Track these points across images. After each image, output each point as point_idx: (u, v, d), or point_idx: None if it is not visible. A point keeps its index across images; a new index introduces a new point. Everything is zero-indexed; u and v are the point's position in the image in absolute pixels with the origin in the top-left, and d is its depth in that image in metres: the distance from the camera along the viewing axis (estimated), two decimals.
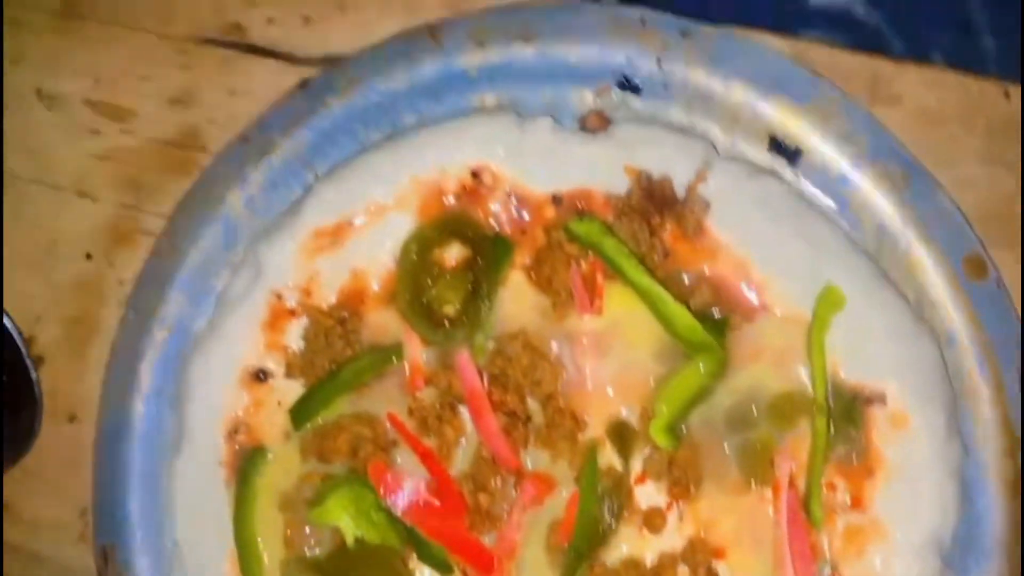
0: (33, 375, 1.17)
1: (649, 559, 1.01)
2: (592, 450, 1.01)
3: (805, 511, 0.98)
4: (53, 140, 1.25)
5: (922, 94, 1.08)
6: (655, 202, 1.02)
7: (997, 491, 0.99)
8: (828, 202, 1.04)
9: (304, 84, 1.15)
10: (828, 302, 0.98)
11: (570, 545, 1.00)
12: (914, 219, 1.02)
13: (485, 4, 1.14)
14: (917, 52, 1.12)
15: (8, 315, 1.18)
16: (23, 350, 1.17)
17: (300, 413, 1.07)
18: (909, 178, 1.03)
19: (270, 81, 1.19)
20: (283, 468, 1.07)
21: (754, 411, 0.99)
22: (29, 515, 1.21)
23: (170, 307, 1.14)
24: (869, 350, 0.98)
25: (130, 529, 1.12)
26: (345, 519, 1.02)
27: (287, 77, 1.18)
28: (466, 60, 1.11)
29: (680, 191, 1.02)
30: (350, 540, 1.02)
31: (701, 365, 0.97)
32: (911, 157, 1.03)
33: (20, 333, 1.18)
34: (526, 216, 1.07)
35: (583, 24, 1.09)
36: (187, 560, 1.09)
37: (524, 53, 1.10)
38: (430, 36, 1.12)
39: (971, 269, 1.00)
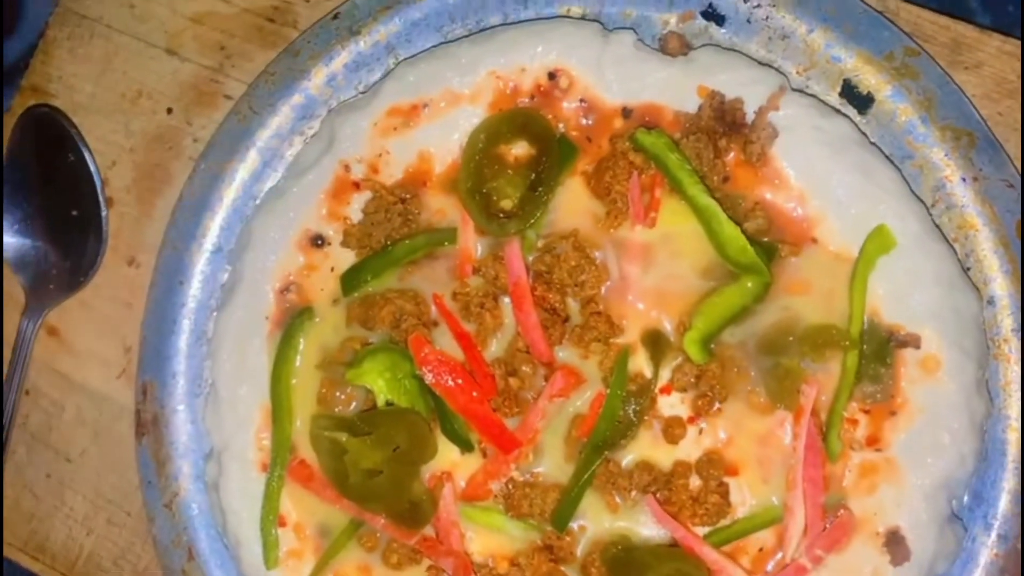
0: (103, 212, 1.23)
1: (663, 465, 1.04)
2: (624, 353, 1.04)
3: (823, 442, 1.00)
4: None
5: (1002, 65, 1.09)
6: (724, 123, 1.04)
7: (1016, 453, 1.01)
8: (892, 151, 1.06)
9: None
10: (877, 242, 1.00)
11: (589, 440, 1.03)
12: (974, 179, 1.04)
13: None
14: (1002, 26, 1.13)
15: (90, 152, 1.23)
16: (99, 187, 1.23)
17: (351, 280, 1.11)
18: (976, 141, 1.04)
19: None
20: (327, 330, 1.12)
21: (789, 339, 1.01)
22: (78, 346, 1.27)
23: (242, 167, 1.19)
24: (912, 295, 1.00)
25: (172, 368, 1.18)
26: (379, 382, 1.07)
27: None
28: None
29: (750, 117, 1.05)
30: (381, 402, 1.07)
31: (748, 285, 1.00)
32: (981, 121, 1.05)
33: (98, 171, 1.23)
34: (594, 124, 1.10)
35: None
36: (221, 404, 1.14)
37: None
38: None
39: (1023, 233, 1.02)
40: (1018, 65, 1.08)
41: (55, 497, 1.26)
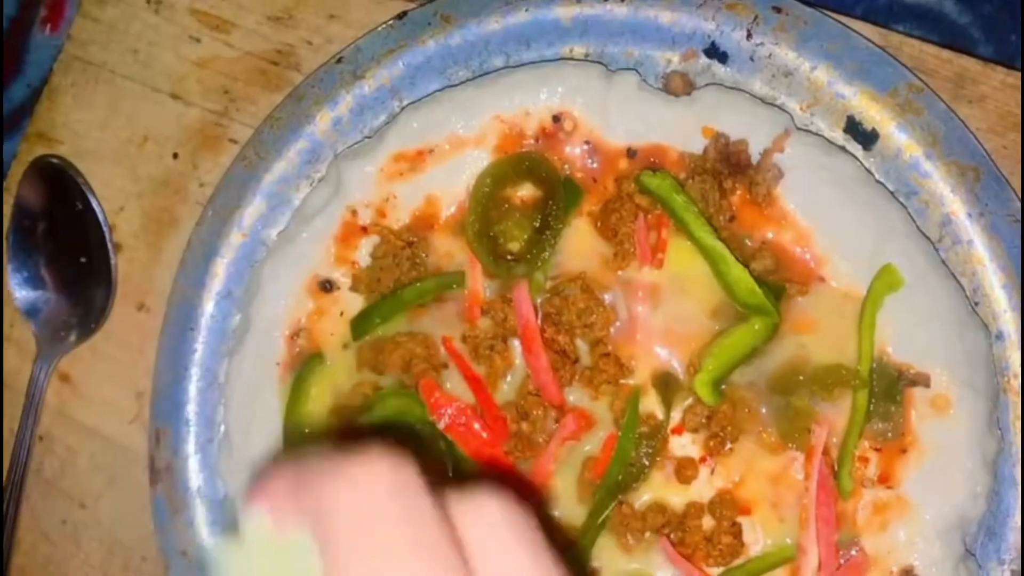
0: (112, 259, 1.24)
1: (676, 506, 1.05)
2: (635, 395, 1.05)
3: (835, 480, 1.01)
4: (156, 43, 1.31)
5: (1006, 98, 1.10)
6: (729, 164, 1.05)
7: None
8: (897, 187, 1.06)
9: (402, 16, 1.19)
10: (885, 281, 1.00)
11: (602, 482, 1.04)
12: (980, 215, 1.04)
13: None
14: (1004, 56, 1.14)
15: (98, 200, 1.24)
16: (107, 235, 1.24)
17: (360, 325, 1.12)
18: (981, 175, 1.05)
19: (369, 9, 1.23)
20: (338, 375, 1.12)
21: (799, 378, 1.02)
22: (90, 392, 1.27)
23: (249, 212, 1.19)
24: (920, 333, 1.00)
25: (184, 414, 1.18)
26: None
27: (385, 7, 1.23)
28: (561, 11, 1.14)
29: (755, 157, 1.05)
30: None
31: (756, 326, 1.00)
32: (985, 155, 1.05)
33: (106, 219, 1.24)
34: (599, 165, 1.10)
35: None
36: (234, 450, 1.14)
37: (618, 10, 1.13)
38: None
39: None
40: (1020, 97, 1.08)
41: (71, 543, 1.27)
